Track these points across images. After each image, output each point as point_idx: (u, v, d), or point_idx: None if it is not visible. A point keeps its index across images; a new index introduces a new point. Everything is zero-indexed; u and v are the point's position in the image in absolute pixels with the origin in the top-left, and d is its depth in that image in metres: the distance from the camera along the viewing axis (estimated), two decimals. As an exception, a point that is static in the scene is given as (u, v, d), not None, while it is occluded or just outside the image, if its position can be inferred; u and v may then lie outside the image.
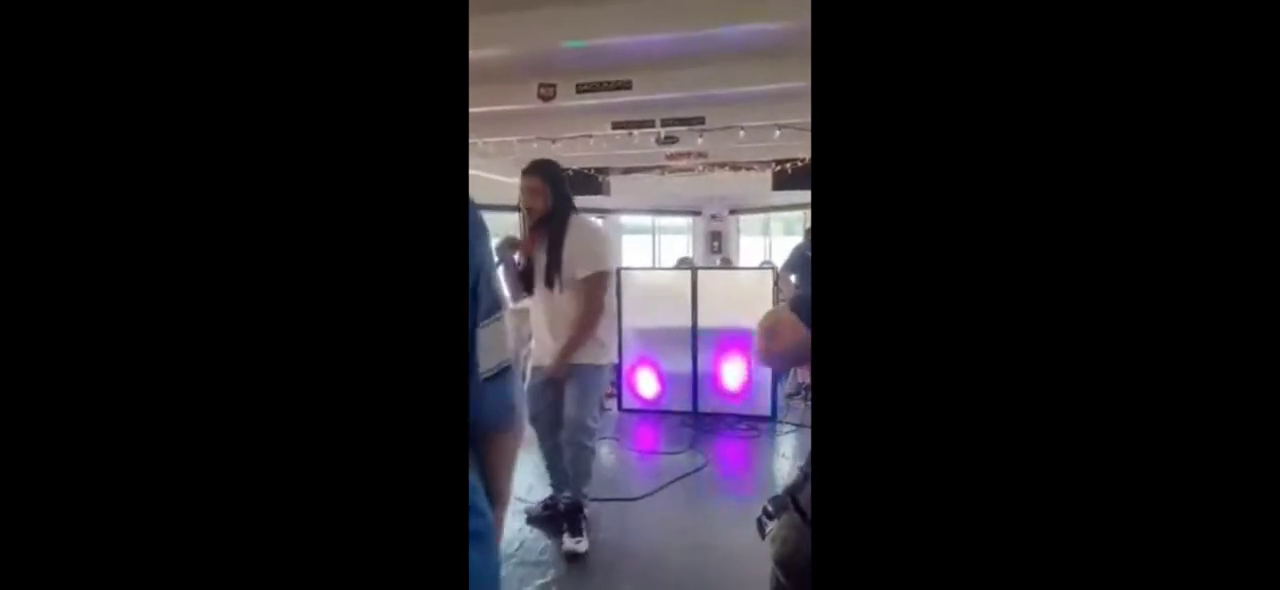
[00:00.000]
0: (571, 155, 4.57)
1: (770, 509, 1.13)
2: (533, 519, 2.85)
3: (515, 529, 2.84)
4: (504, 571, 2.50)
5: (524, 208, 2.52)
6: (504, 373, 0.90)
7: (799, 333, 1.07)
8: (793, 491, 1.10)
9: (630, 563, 2.60)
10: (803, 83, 2.50)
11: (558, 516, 2.77)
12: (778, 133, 4.16)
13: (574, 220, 2.55)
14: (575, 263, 2.44)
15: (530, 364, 2.69)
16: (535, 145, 4.09)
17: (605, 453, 3.79)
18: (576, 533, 2.62)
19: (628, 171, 7.24)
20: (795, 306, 1.10)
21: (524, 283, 2.59)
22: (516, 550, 2.68)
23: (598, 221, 3.14)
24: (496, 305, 0.88)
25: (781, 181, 5.08)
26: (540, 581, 2.46)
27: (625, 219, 9.80)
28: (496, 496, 1.00)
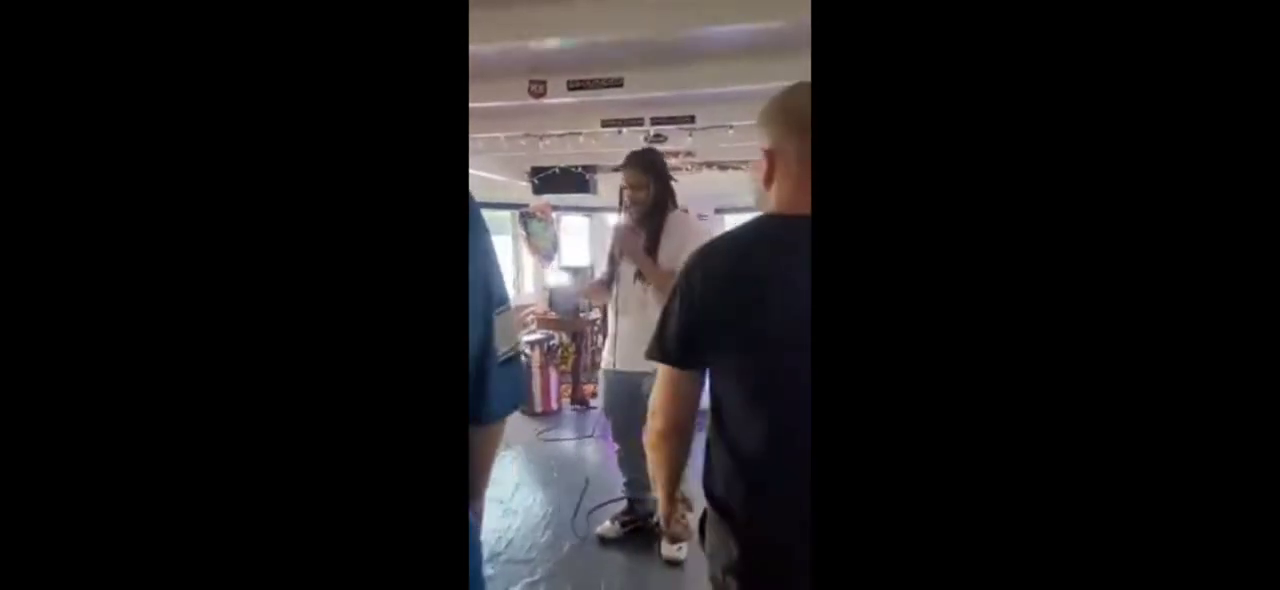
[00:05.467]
0: (558, 153, 4.54)
1: (704, 516, 1.05)
2: (609, 540, 2.69)
3: (503, 527, 2.84)
4: (492, 570, 2.51)
5: (627, 203, 2.45)
6: (514, 359, 0.92)
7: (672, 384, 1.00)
8: (708, 486, 1.02)
9: (618, 558, 2.60)
10: (792, 82, 2.51)
11: (642, 527, 2.68)
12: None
13: (672, 216, 2.45)
14: (676, 260, 2.29)
15: (602, 367, 2.61)
16: (523, 142, 4.07)
17: (590, 451, 3.79)
18: (676, 539, 2.55)
19: (616, 170, 7.17)
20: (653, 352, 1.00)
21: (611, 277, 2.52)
22: (505, 549, 2.68)
23: (696, 217, 3.01)
24: (505, 297, 0.91)
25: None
26: (528, 579, 2.46)
27: (612, 217, 9.76)
28: (474, 488, 0.99)
